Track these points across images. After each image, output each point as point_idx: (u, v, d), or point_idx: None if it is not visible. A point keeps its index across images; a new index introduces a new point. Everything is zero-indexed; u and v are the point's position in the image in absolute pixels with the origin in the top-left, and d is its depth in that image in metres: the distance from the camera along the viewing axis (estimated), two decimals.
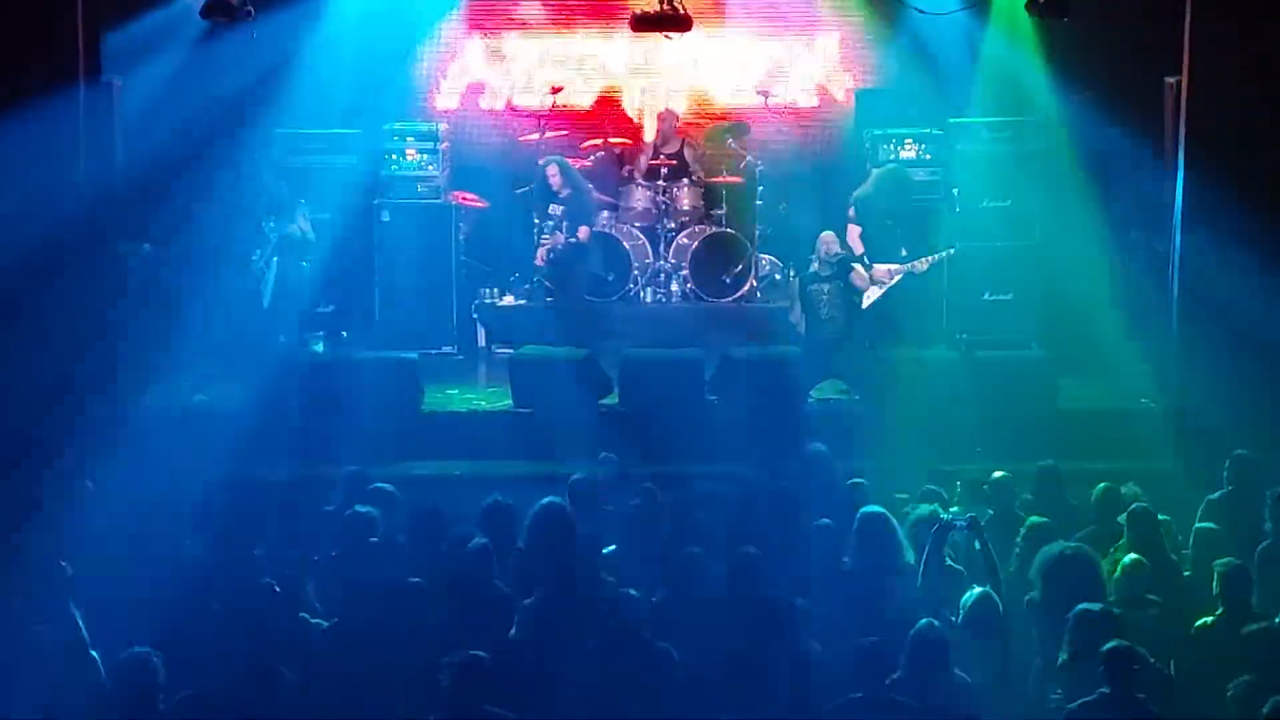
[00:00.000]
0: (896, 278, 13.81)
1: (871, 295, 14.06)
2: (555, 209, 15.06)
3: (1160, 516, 10.13)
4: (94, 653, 8.27)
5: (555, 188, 15.04)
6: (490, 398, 14.13)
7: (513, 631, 8.69)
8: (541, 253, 15.11)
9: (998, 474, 10.82)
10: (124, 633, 8.40)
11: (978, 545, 9.18)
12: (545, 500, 9.67)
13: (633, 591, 8.60)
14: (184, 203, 14.55)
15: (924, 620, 8.17)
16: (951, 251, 14.18)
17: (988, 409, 13.11)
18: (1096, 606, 8.45)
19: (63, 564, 8.94)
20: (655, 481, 10.66)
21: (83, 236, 13.55)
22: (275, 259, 14.22)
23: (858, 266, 14.04)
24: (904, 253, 13.95)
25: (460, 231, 15.53)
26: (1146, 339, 14.21)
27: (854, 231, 13.99)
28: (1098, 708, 7.93)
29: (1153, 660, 8.31)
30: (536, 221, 15.36)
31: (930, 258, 14.03)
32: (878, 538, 9.25)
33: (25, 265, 12.97)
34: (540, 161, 15.23)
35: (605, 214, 15.94)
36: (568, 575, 8.97)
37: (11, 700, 8.07)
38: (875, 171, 14.70)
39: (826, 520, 9.67)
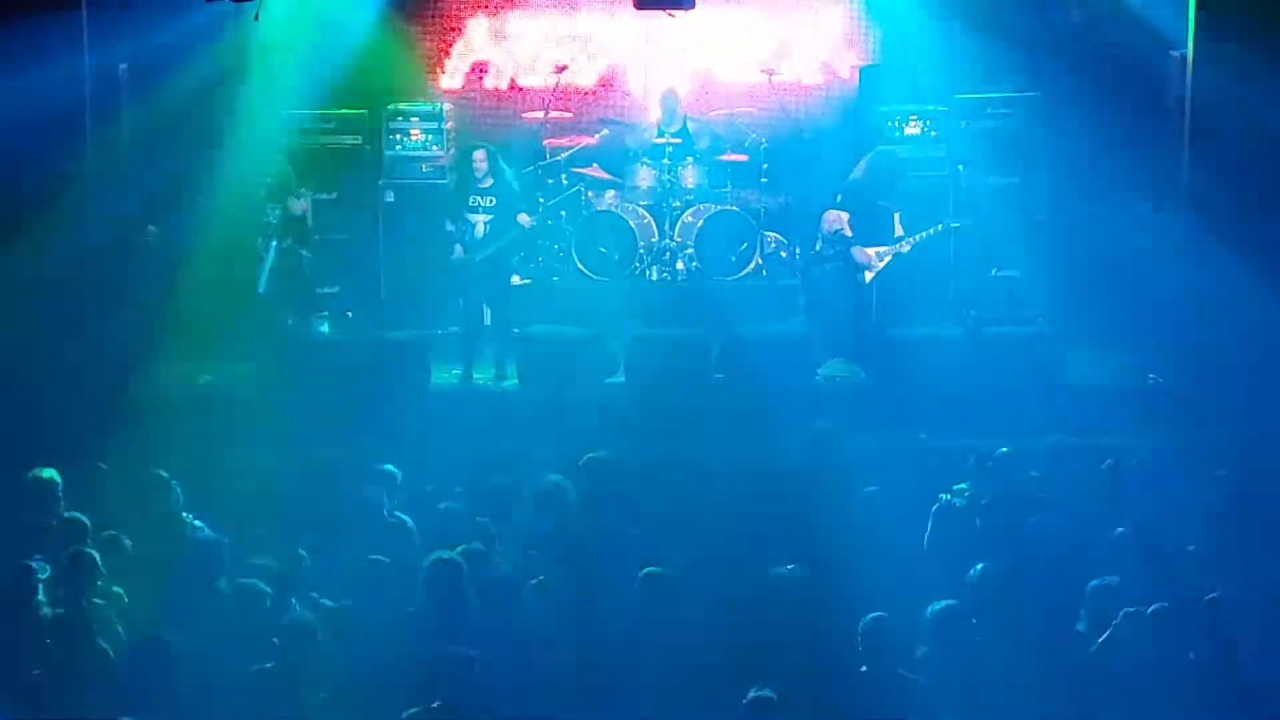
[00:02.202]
0: (886, 259, 13.75)
1: (866, 277, 14.03)
2: (478, 200, 14.38)
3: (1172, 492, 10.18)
4: (102, 643, 8.30)
5: (478, 175, 14.33)
6: (497, 377, 14.15)
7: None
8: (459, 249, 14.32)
9: (1004, 450, 10.82)
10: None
11: (979, 523, 9.20)
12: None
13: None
14: (188, 185, 14.54)
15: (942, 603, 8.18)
16: (938, 229, 14.05)
17: (995, 385, 13.11)
18: (1115, 579, 8.47)
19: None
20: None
21: (88, 220, 13.61)
22: (274, 242, 14.15)
23: (859, 246, 14.00)
24: (899, 233, 13.89)
25: None
26: (1154, 315, 14.21)
27: (843, 217, 13.91)
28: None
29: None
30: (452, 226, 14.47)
31: (914, 238, 13.89)
32: (876, 518, 9.28)
33: (29, 249, 13.05)
34: (474, 149, 14.60)
35: (611, 193, 15.92)
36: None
37: None
38: (865, 157, 14.63)
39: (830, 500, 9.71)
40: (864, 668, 7.97)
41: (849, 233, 13.62)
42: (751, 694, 7.41)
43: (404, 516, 10.01)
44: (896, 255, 13.61)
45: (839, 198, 13.98)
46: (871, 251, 13.81)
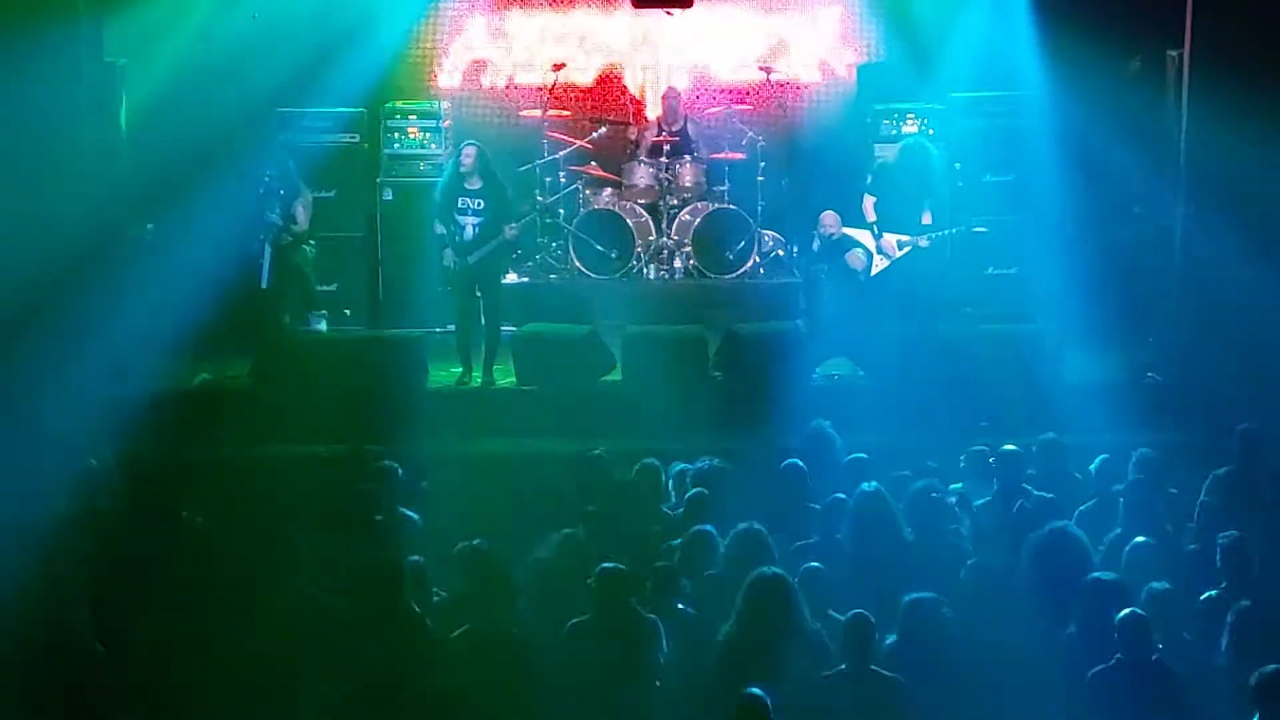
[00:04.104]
0: (904, 250, 13.77)
1: (878, 265, 14.04)
2: (468, 201, 13.95)
3: (1171, 490, 10.17)
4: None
5: (465, 169, 13.88)
6: (494, 375, 14.14)
7: None
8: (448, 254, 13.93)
9: (1009, 447, 10.80)
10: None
11: (968, 523, 9.19)
12: None
13: None
14: (187, 183, 14.52)
15: (917, 595, 8.17)
16: (958, 230, 14.15)
17: (992, 383, 13.11)
18: (1109, 576, 8.45)
19: None
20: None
21: (86, 216, 13.59)
22: (271, 239, 14.09)
23: (854, 250, 14.02)
24: (927, 221, 13.94)
25: None
26: (1151, 312, 14.21)
27: (868, 201, 13.98)
28: (1114, 672, 7.94)
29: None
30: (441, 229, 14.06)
31: (934, 235, 13.99)
32: (873, 515, 9.26)
33: (29, 246, 13.03)
34: (464, 145, 14.17)
35: (609, 191, 15.93)
36: None
37: None
38: (901, 142, 14.66)
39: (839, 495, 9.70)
40: (843, 666, 7.97)
41: (871, 217, 13.64)
42: (743, 694, 7.40)
43: (409, 513, 10.02)
44: (915, 247, 13.63)
45: (869, 179, 14.03)
46: (891, 240, 13.83)
